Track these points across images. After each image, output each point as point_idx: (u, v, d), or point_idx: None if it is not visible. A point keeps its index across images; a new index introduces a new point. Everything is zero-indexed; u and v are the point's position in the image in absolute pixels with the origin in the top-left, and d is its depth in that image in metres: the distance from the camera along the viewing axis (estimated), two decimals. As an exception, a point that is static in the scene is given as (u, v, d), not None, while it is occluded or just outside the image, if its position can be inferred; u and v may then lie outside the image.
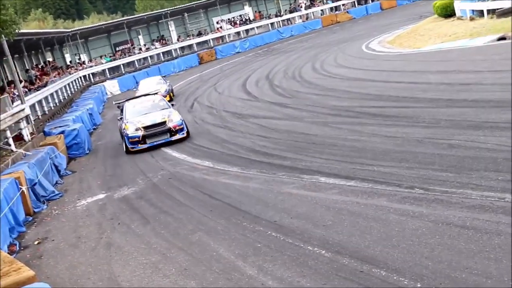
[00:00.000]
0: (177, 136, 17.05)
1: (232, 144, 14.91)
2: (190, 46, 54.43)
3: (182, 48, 53.84)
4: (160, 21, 56.22)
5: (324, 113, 15.86)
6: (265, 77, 27.97)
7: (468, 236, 6.31)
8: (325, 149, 11.79)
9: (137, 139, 16.97)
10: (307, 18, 59.98)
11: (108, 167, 16.52)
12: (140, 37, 55.31)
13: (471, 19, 26.78)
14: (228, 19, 59.37)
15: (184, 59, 50.33)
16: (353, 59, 26.95)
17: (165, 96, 23.48)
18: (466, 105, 12.42)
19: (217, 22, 58.54)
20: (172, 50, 53.09)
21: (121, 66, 49.41)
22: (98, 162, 17.75)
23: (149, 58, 51.52)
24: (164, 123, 17.18)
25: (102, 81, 45.30)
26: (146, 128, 17.06)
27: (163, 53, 52.38)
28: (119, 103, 20.85)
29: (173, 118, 17.38)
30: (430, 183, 8.27)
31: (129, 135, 17.11)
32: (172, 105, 19.50)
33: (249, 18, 59.87)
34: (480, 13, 26.47)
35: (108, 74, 48.16)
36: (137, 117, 17.84)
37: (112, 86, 43.38)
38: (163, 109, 18.38)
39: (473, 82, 14.74)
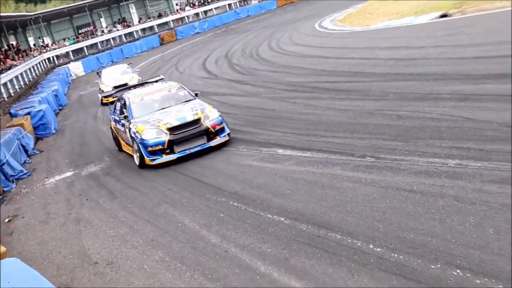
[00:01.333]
0: (218, 140, 11.22)
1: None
2: (151, 28, 53.72)
3: (143, 29, 53.11)
4: (121, 4, 55.27)
5: (280, 89, 15.88)
6: (224, 56, 27.81)
7: (415, 200, 6.44)
8: (282, 123, 11.84)
9: (160, 146, 11.01)
10: (262, -1, 59.69)
11: (75, 146, 16.29)
12: (102, 19, 54.34)
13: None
14: (187, 1, 58.64)
15: (146, 40, 49.68)
16: (307, 37, 26.97)
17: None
18: (412, 79, 12.59)
19: (177, 4, 57.77)
20: (134, 32, 52.36)
21: (85, 48, 48.52)
22: (65, 142, 17.49)
23: (111, 40, 50.66)
24: (197, 121, 11.32)
25: (66, 63, 44.40)
26: (172, 130, 11.11)
27: (125, 35, 51.62)
28: (110, 95, 15.88)
29: (209, 114, 11.57)
30: (381, 151, 8.40)
31: (148, 142, 11.05)
32: (196, 94, 12.94)
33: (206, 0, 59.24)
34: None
35: (72, 56, 47.20)
36: (152, 114, 11.90)
37: (76, 68, 42.56)
38: (188, 101, 12.41)
39: (418, 57, 14.92)
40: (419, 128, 8.96)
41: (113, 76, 24.21)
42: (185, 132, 11.11)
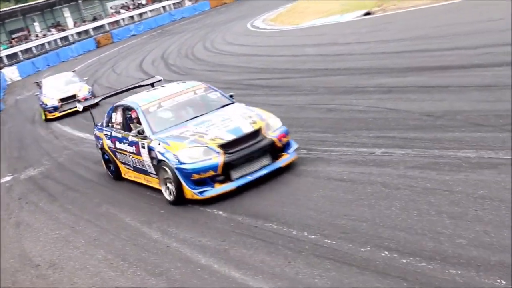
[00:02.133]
0: (287, 158, 7.76)
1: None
2: (86, 31, 52.48)
3: (78, 33, 51.83)
4: (54, 8, 53.75)
5: (216, 87, 15.84)
6: (160, 57, 27.52)
7: (346, 188, 6.59)
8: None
9: (212, 172, 7.34)
10: (196, 1, 59.30)
11: (13, 150, 15.76)
12: (36, 24, 52.64)
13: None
14: (122, 4, 57.65)
15: (82, 44, 48.51)
16: (240, 37, 27.04)
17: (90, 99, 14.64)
18: (340, 73, 12.85)
19: (111, 7, 56.71)
20: (69, 36, 50.99)
21: (19, 53, 46.88)
22: (3, 146, 16.89)
23: (46, 44, 49.20)
24: (257, 133, 7.75)
25: (0, 68, 42.84)
26: (226, 147, 7.46)
27: (60, 39, 50.20)
28: (92, 103, 11.21)
29: (271, 122, 8.07)
30: (312, 143, 8.54)
31: (194, 168, 7.35)
32: (231, 96, 9.34)
33: (141, 2, 58.40)
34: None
35: (6, 61, 45.56)
36: (184, 126, 8.17)
37: (11, 73, 41.12)
38: (225, 105, 8.87)
39: (345, 53, 15.24)
40: (348, 120, 9.17)
41: (57, 86, 19.93)
42: (244, 149, 7.47)
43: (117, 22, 54.45)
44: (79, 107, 11.28)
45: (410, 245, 4.92)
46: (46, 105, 18.81)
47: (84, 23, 53.46)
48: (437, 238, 4.89)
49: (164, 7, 57.46)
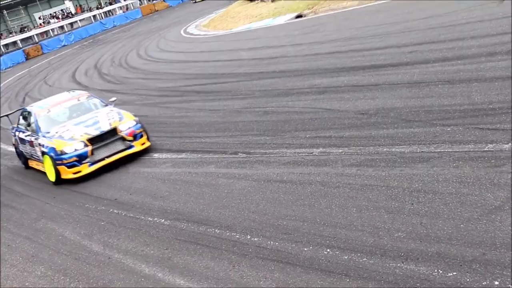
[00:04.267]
0: (132, 148, 10.10)
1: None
2: (14, 43, 50.81)
3: (6, 45, 50.10)
4: (-20, 20, 51.80)
5: (152, 95, 15.67)
6: (94, 67, 26.93)
7: (286, 189, 6.63)
8: (156, 127, 11.66)
9: (75, 159, 9.77)
10: (127, 9, 58.54)
11: None
12: (-39, 37, 50.57)
13: (273, 0, 27.78)
14: (50, 14, 56.16)
15: (10, 56, 46.91)
16: (173, 44, 26.83)
17: (133, 135, 10.27)
18: (275, 76, 12.95)
19: (40, 18, 55.15)
20: (-4, 48, 49.25)
21: None
22: None
23: (-28, 57, 47.33)
24: (114, 130, 10.13)
25: None
26: (93, 140, 10.01)
27: (-14, 51, 48.39)
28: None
29: (126, 121, 10.38)
30: (251, 147, 8.56)
31: (70, 156, 9.86)
32: (113, 101, 11.58)
33: (70, 12, 57.09)
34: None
35: None
36: (63, 126, 10.60)
37: None
38: (99, 109, 11.27)
39: (279, 55, 15.36)
40: (285, 121, 9.24)
41: (66, 117, 11.22)
42: (104, 141, 10.01)
43: (46, 32, 53.00)
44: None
45: (351, 242, 5.00)
46: (61, 153, 9.99)
47: (11, 35, 51.73)
48: (377, 233, 5.00)
49: (94, 16, 56.35)
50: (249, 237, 5.76)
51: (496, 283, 3.88)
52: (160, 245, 6.28)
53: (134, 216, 7.39)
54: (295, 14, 22.06)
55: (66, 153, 9.79)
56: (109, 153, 9.94)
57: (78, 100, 11.46)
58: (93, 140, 9.91)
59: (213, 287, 5.06)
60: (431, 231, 4.77)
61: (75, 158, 9.75)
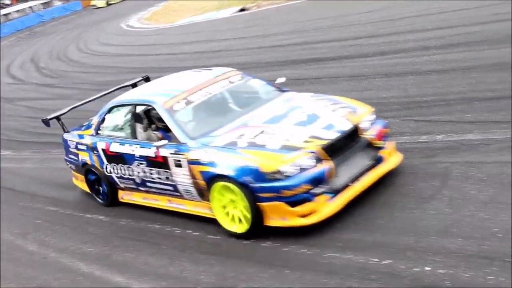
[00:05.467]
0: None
1: (2, 129, 13.79)
2: None
3: None
4: None
5: (92, 89, 15.34)
6: (30, 60, 26.13)
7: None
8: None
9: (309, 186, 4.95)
10: (67, 0, 57.12)
11: None
12: None
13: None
14: (-16, 5, 54.23)
15: None
16: (115, 37, 26.37)
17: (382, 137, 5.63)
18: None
19: (-28, 9, 53.19)
20: None
21: None
22: None
23: None
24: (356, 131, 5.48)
25: None
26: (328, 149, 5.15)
27: None
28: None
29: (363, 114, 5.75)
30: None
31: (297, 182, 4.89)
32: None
33: (4, 2, 55.24)
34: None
35: None
36: (247, 126, 5.66)
37: None
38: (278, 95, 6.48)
39: (222, 49, 15.37)
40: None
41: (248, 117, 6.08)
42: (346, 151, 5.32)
43: (-20, 24, 51.15)
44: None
45: (288, 234, 5.06)
46: (272, 176, 4.96)
47: None
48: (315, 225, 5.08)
49: (31, 7, 54.72)
50: (190, 231, 5.76)
51: (428, 268, 4.00)
52: (98, 243, 6.19)
53: (72, 213, 7.26)
54: (239, 7, 22.10)
55: (284, 177, 4.90)
56: (356, 173, 5.23)
57: (230, 82, 6.46)
58: (329, 150, 5.16)
59: (152, 283, 5.03)
60: (368, 221, 4.89)
61: (307, 186, 4.92)
